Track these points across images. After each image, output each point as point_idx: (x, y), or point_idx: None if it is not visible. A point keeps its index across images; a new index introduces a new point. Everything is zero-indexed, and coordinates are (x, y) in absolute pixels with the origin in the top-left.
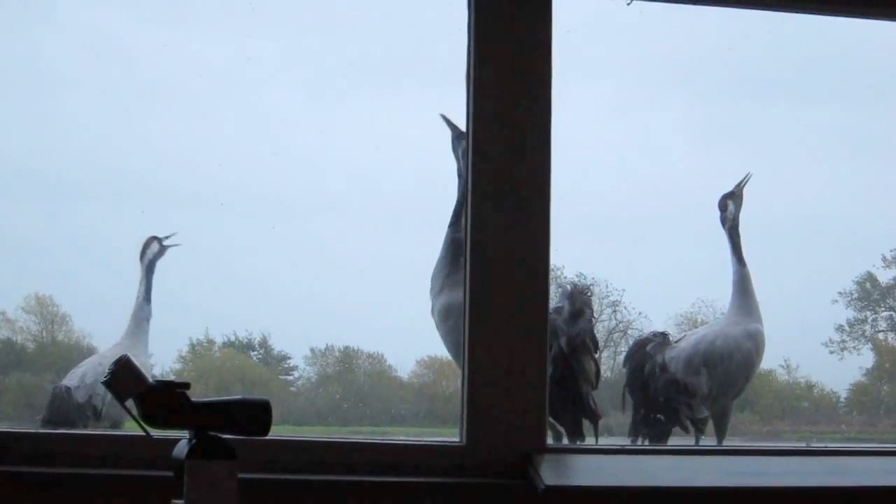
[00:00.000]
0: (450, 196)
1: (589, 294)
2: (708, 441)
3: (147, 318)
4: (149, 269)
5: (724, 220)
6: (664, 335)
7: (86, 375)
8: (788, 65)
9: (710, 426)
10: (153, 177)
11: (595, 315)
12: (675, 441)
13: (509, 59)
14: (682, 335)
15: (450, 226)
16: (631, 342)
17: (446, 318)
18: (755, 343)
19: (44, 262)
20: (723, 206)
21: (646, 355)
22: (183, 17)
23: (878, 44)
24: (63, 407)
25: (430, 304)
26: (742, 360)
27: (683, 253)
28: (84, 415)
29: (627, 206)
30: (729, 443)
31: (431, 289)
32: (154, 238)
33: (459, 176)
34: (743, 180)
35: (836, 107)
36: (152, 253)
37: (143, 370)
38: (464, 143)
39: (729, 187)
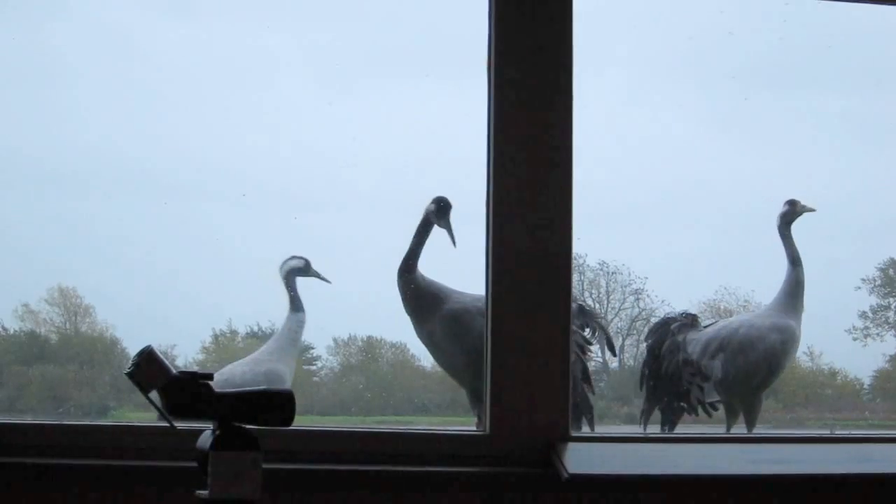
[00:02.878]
0: (471, 188)
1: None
2: (736, 430)
3: (293, 328)
4: (286, 280)
5: (783, 215)
6: (693, 317)
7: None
8: (804, 52)
9: (721, 414)
10: (175, 170)
11: (600, 319)
12: (697, 428)
13: (530, 48)
14: (714, 321)
15: (402, 274)
16: None
17: (458, 321)
18: (783, 336)
19: (67, 254)
20: (791, 204)
21: (668, 333)
22: (195, 8)
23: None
24: None
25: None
26: (764, 350)
27: (706, 240)
28: None
29: (649, 194)
30: (745, 428)
31: (419, 314)
32: (299, 257)
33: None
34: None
35: (856, 93)
36: (288, 267)
37: (283, 376)
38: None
39: (750, 174)
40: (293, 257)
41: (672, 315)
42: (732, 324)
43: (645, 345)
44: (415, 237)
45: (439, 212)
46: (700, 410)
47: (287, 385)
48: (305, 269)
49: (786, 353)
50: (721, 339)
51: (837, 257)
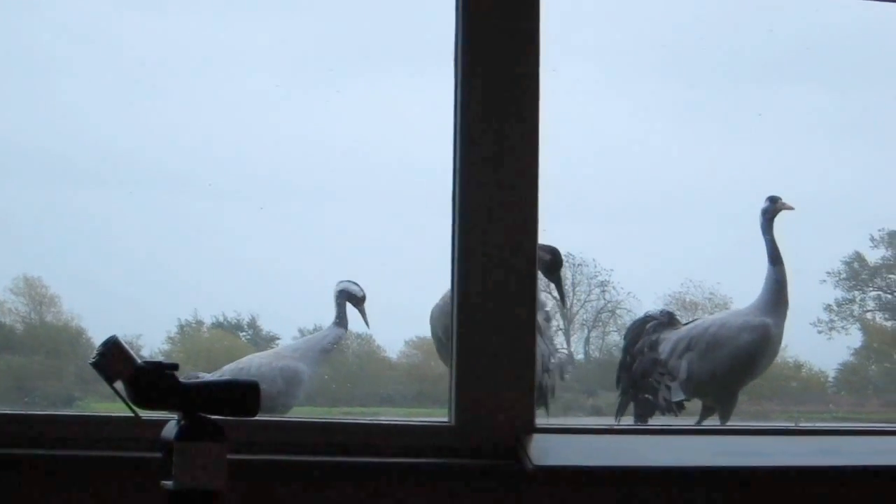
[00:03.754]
0: (437, 179)
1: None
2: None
3: (329, 338)
4: (338, 298)
5: (764, 211)
6: (671, 315)
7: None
8: (774, 46)
9: (695, 406)
10: (141, 159)
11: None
12: (669, 421)
13: (498, 41)
14: (693, 319)
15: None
16: (619, 322)
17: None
18: (755, 335)
19: (32, 243)
20: (771, 200)
21: (643, 331)
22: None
23: (864, 25)
24: None
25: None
26: (735, 350)
27: (673, 233)
28: None
29: (616, 187)
30: (717, 422)
31: None
32: (360, 287)
33: None
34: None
35: (824, 88)
36: (345, 288)
37: (300, 375)
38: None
39: (717, 167)
40: (355, 283)
41: (651, 313)
42: (705, 323)
43: (609, 338)
44: None
45: (554, 264)
46: (665, 409)
47: (303, 385)
48: (357, 301)
49: (759, 353)
50: (690, 338)
51: (803, 250)
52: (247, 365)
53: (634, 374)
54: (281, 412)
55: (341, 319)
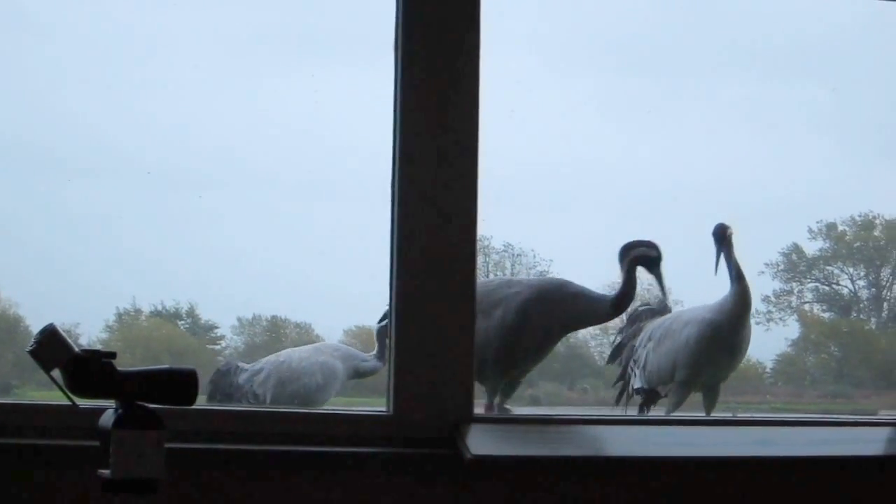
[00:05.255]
0: (376, 169)
1: None
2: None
3: (366, 362)
4: (378, 334)
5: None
6: (662, 304)
7: (264, 370)
8: (714, 39)
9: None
10: (78, 146)
11: None
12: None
13: (437, 30)
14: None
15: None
16: None
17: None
18: (695, 331)
19: None
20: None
21: (636, 319)
22: None
23: (804, 17)
24: (224, 382)
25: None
26: (675, 344)
27: (611, 223)
28: (246, 398)
29: (554, 177)
30: (655, 413)
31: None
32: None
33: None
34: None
35: (761, 81)
36: (382, 324)
37: (337, 373)
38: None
39: (654, 158)
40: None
41: (645, 304)
42: (670, 314)
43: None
44: (630, 281)
45: (657, 259)
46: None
47: (337, 384)
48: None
49: (700, 349)
50: (652, 329)
51: (741, 241)
52: (287, 357)
53: (622, 363)
54: (317, 406)
55: (382, 355)
